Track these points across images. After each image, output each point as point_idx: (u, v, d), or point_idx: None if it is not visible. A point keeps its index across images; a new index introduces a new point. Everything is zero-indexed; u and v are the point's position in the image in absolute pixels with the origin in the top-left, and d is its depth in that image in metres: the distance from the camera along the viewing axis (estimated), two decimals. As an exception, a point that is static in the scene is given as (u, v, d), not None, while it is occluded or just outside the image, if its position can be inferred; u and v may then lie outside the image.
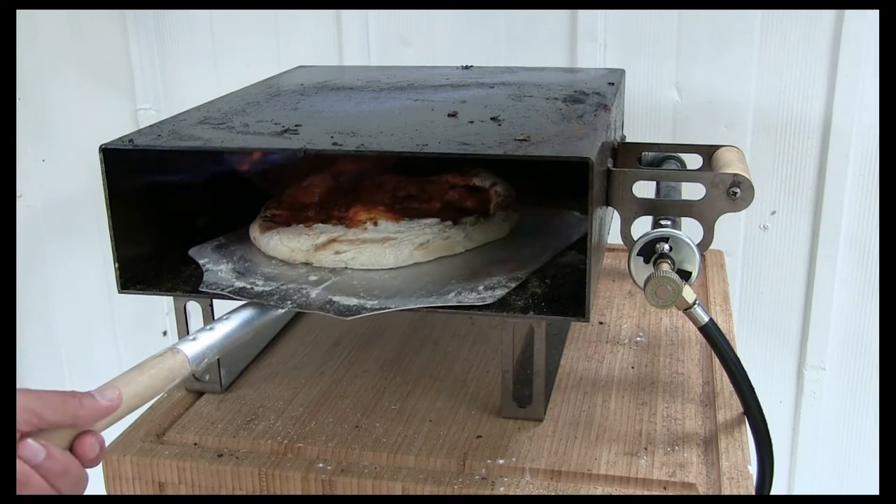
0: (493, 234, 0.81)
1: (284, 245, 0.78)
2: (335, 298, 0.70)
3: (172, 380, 0.58)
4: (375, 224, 0.79)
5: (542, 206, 0.89)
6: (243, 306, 0.68)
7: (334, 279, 0.74)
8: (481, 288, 0.70)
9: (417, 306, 0.68)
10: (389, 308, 0.68)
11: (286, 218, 0.83)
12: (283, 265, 0.77)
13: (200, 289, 0.72)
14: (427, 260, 0.77)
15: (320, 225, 0.80)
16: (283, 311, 0.69)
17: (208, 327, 0.63)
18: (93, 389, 0.52)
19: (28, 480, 0.47)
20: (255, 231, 0.82)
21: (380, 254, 0.75)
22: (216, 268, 0.76)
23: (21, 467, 0.47)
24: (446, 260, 0.77)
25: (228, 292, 0.71)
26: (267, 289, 0.72)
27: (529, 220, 0.85)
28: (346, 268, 0.76)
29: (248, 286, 0.72)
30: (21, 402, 0.48)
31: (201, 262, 0.77)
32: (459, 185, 0.88)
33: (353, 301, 0.69)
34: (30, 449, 0.48)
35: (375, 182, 0.89)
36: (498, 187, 0.87)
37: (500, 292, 0.69)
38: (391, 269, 0.75)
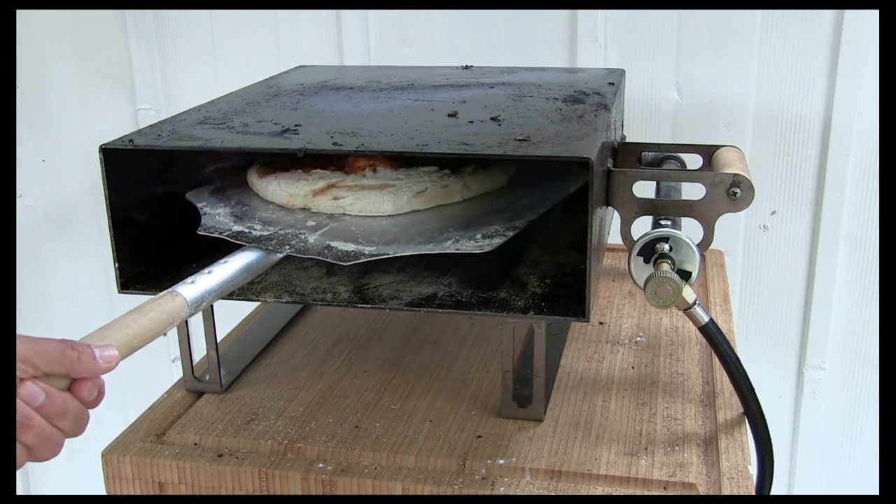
0: (492, 183, 0.81)
1: (283, 190, 0.77)
2: (333, 244, 0.69)
3: (171, 322, 0.57)
4: (374, 171, 0.79)
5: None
6: (241, 250, 0.67)
7: (332, 225, 0.73)
8: (479, 236, 0.69)
9: (415, 252, 0.68)
10: (387, 254, 0.67)
11: (285, 163, 0.82)
12: (281, 210, 0.77)
13: (199, 231, 0.72)
14: (425, 208, 0.76)
15: (318, 171, 0.79)
16: (281, 255, 0.68)
17: (206, 270, 0.62)
18: (93, 342, 0.53)
19: (29, 422, 0.48)
20: (252, 176, 0.81)
21: (378, 200, 0.75)
22: (214, 211, 0.76)
23: (21, 409, 0.48)
24: (444, 208, 0.77)
25: (227, 236, 0.71)
26: (265, 233, 0.71)
27: (528, 172, 0.84)
28: (343, 214, 0.75)
29: (246, 230, 0.72)
30: (19, 349, 0.48)
31: (199, 205, 0.77)
32: None
33: (350, 247, 0.69)
34: (29, 391, 0.48)
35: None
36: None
37: (497, 241, 0.68)
38: (389, 216, 0.75)
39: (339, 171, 0.80)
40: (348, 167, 0.80)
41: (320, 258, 0.68)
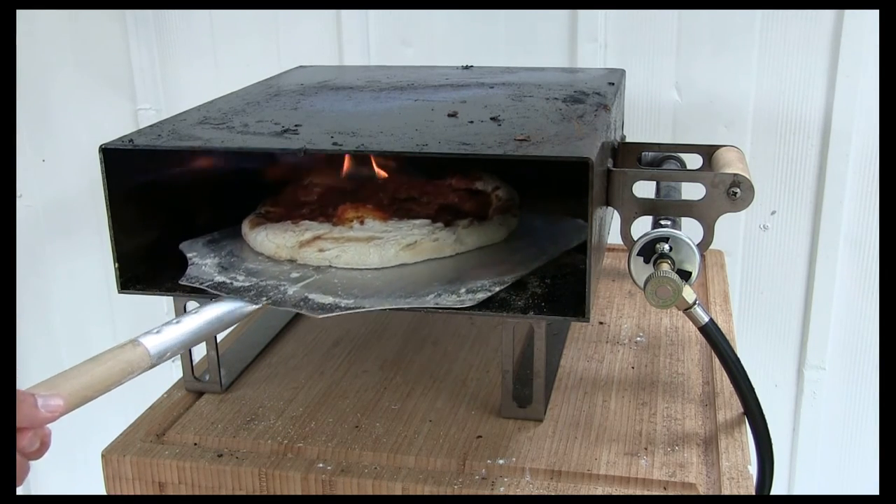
0: (488, 237, 0.80)
1: (270, 241, 0.77)
2: (311, 296, 0.69)
3: (130, 373, 0.56)
4: (362, 223, 0.79)
5: (546, 210, 0.87)
6: (217, 301, 0.67)
7: (316, 277, 0.73)
8: (463, 290, 0.69)
9: (392, 306, 0.67)
10: (363, 307, 0.67)
11: (279, 215, 0.82)
12: (269, 261, 0.77)
13: (181, 281, 0.72)
14: (415, 261, 0.76)
15: (306, 222, 0.79)
16: (257, 306, 0.68)
17: (175, 320, 0.62)
18: (41, 391, 0.51)
19: None
20: (245, 226, 0.81)
21: (364, 253, 0.75)
22: (202, 261, 0.76)
23: None
24: (435, 262, 0.76)
25: (206, 286, 0.71)
26: (246, 284, 0.71)
27: (530, 225, 0.84)
28: (330, 266, 0.75)
29: (228, 281, 0.72)
30: None
31: (189, 255, 0.77)
32: (460, 189, 0.87)
33: (328, 299, 0.69)
34: None
35: (378, 182, 0.88)
36: (500, 191, 0.86)
37: (481, 295, 0.68)
38: (376, 269, 0.75)
39: (327, 221, 0.79)
40: (337, 218, 0.80)
41: (296, 310, 0.68)
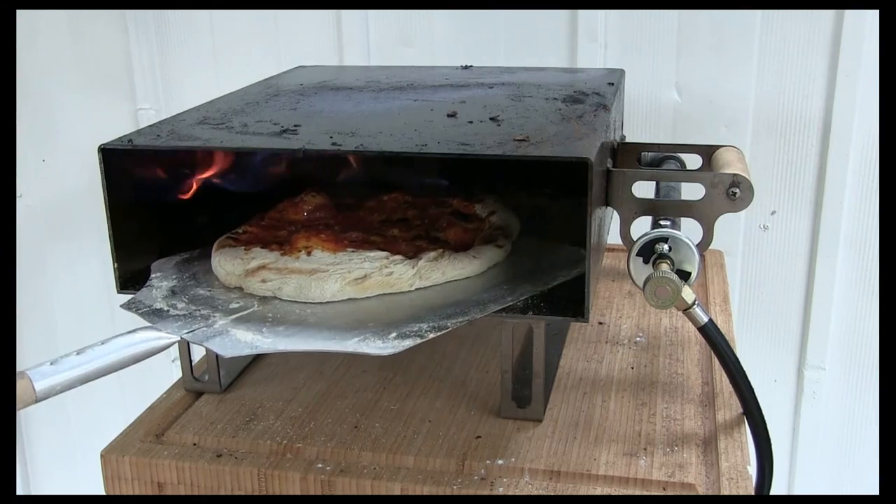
0: (458, 271, 0.74)
1: (221, 267, 0.74)
2: (234, 330, 0.66)
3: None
4: (309, 253, 0.74)
5: (544, 238, 0.81)
6: (133, 331, 0.63)
7: (254, 309, 0.70)
8: (393, 335, 0.64)
9: (307, 348, 0.64)
10: (277, 348, 0.64)
11: (253, 236, 0.79)
12: (220, 288, 0.74)
13: (121, 306, 0.70)
14: (365, 296, 0.71)
15: (256, 249, 0.76)
16: (173, 341, 0.64)
17: (76, 352, 0.58)
18: None
19: None
20: (214, 247, 0.78)
21: (304, 286, 0.70)
22: (160, 283, 0.74)
23: None
24: (391, 298, 0.71)
25: (140, 313, 0.68)
26: (181, 312, 0.69)
27: (519, 254, 0.79)
28: (275, 297, 0.72)
29: (167, 308, 0.69)
30: None
31: (152, 275, 0.75)
32: (456, 212, 0.83)
33: (249, 336, 0.65)
34: None
35: (377, 201, 0.86)
36: (494, 217, 0.82)
37: (408, 342, 0.63)
38: (321, 303, 0.70)
39: (279, 249, 0.76)
40: (289, 247, 0.76)
41: (206, 346, 0.65)
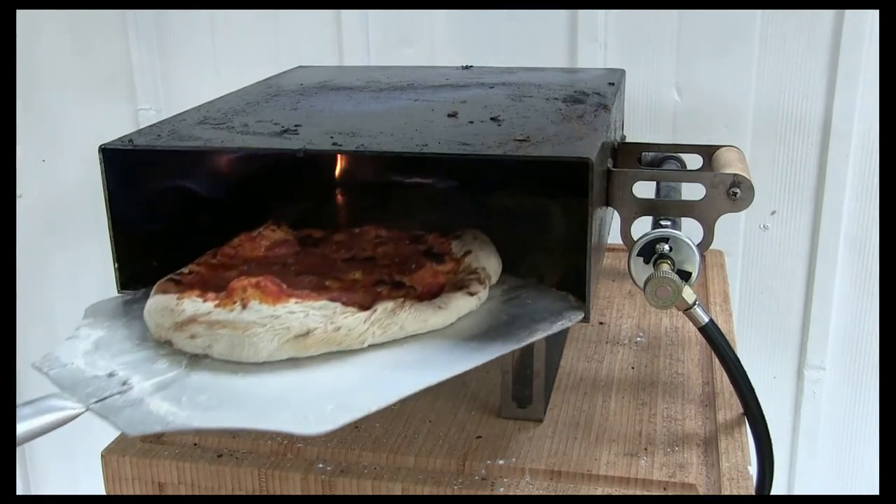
0: (418, 325, 0.64)
1: (151, 318, 0.65)
2: (148, 400, 0.57)
3: None
4: (245, 305, 0.63)
5: (531, 274, 0.74)
6: (37, 400, 0.56)
7: (178, 371, 0.61)
8: (331, 407, 0.54)
9: (225, 426, 0.57)
10: (192, 426, 0.55)
11: (198, 278, 0.70)
12: (153, 341, 0.65)
13: (32, 365, 0.62)
14: (307, 355, 0.61)
15: (189, 298, 0.65)
16: (79, 412, 0.56)
17: None
18: None
19: None
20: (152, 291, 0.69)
21: (237, 345, 0.60)
22: (87, 334, 0.66)
23: None
24: (340, 357, 0.62)
25: (52, 373, 0.61)
26: (99, 373, 0.60)
27: (498, 303, 0.69)
28: (207, 356, 0.62)
29: (85, 367, 0.61)
30: None
31: (83, 322, 0.68)
32: (425, 251, 0.74)
33: (164, 408, 0.56)
34: None
35: (348, 234, 0.78)
36: (469, 258, 0.72)
37: (346, 418, 0.53)
38: (259, 364, 0.61)
39: (217, 298, 0.65)
40: (226, 296, 0.65)
41: (112, 423, 0.55)
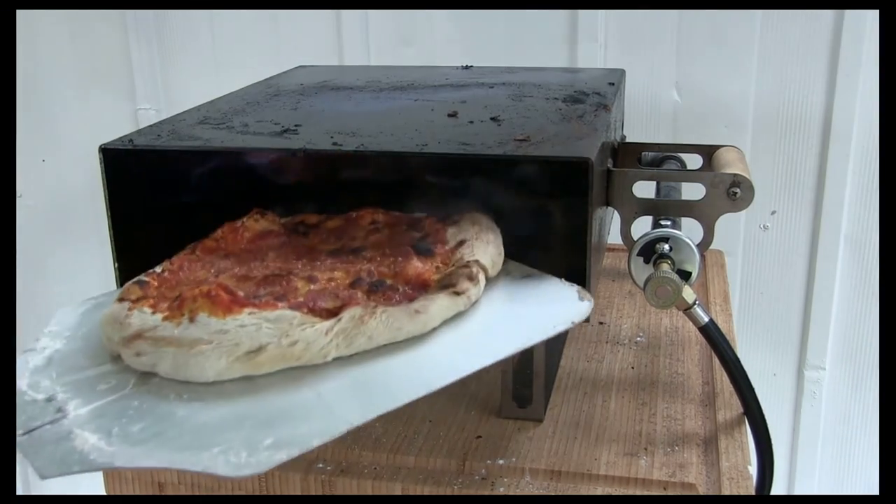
0: (390, 334, 0.56)
1: (102, 329, 0.60)
2: (78, 432, 0.51)
3: None
4: (192, 319, 0.56)
5: (537, 260, 0.66)
6: None
7: (121, 394, 0.55)
8: (269, 441, 0.48)
9: (145, 465, 0.50)
10: (114, 465, 0.49)
11: (166, 282, 0.64)
12: (107, 354, 0.59)
13: None
14: (263, 373, 0.54)
15: (139, 309, 0.59)
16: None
17: None
18: None
19: None
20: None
21: (182, 364, 0.54)
22: (44, 346, 0.61)
23: None
24: (298, 375, 0.54)
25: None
26: (38, 396, 0.55)
27: (489, 303, 0.61)
28: (155, 375, 0.56)
29: (26, 388, 0.56)
30: None
31: (46, 331, 0.63)
32: (420, 239, 0.66)
33: (91, 442, 0.50)
34: None
35: (344, 219, 0.72)
36: (464, 249, 0.64)
37: (280, 457, 0.47)
38: (208, 384, 0.54)
39: (169, 309, 0.59)
40: (175, 308, 0.58)
41: (30, 463, 0.49)
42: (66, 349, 0.61)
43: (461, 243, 0.65)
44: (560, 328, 0.57)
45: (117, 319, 0.59)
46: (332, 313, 0.57)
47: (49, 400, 0.55)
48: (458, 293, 0.59)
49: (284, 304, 0.58)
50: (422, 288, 0.60)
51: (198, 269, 0.67)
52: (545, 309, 0.60)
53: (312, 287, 0.61)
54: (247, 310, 0.57)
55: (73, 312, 0.66)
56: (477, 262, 0.62)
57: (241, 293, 0.59)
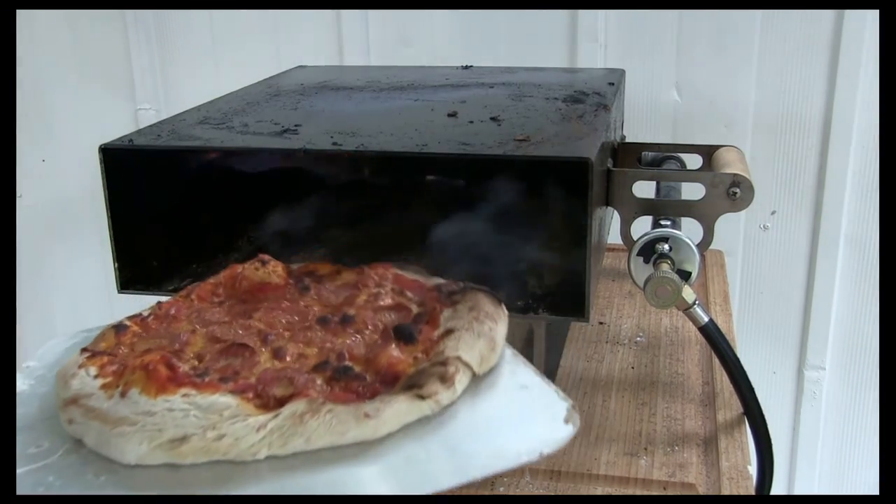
0: (331, 438, 0.49)
1: (55, 388, 0.56)
2: None
3: None
4: (124, 394, 0.52)
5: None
6: None
7: (45, 463, 0.51)
8: None
9: None
10: None
11: (149, 326, 0.62)
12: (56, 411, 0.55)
13: None
14: (187, 462, 0.49)
15: (86, 369, 0.56)
16: None
17: None
18: None
19: None
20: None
21: (103, 442, 0.50)
22: (23, 382, 0.59)
23: None
24: (226, 470, 0.49)
25: None
26: None
27: (456, 405, 0.52)
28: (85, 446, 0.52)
29: None
30: None
31: (22, 368, 0.61)
32: (415, 316, 0.59)
33: None
34: None
35: (357, 272, 0.65)
36: (449, 341, 0.55)
37: None
38: (132, 466, 0.49)
39: (113, 374, 0.55)
40: (117, 374, 0.55)
41: None
42: (29, 392, 0.58)
43: (448, 332, 0.56)
44: (525, 459, 0.48)
45: (65, 377, 0.56)
46: (280, 402, 0.51)
47: None
48: (422, 397, 0.51)
49: (228, 387, 0.53)
50: (392, 381, 0.53)
51: (182, 318, 0.63)
52: (523, 430, 0.51)
53: (276, 363, 0.56)
54: (182, 390, 0.52)
55: (59, 346, 0.63)
56: (458, 359, 0.54)
57: (184, 367, 0.55)
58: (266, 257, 0.68)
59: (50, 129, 1.38)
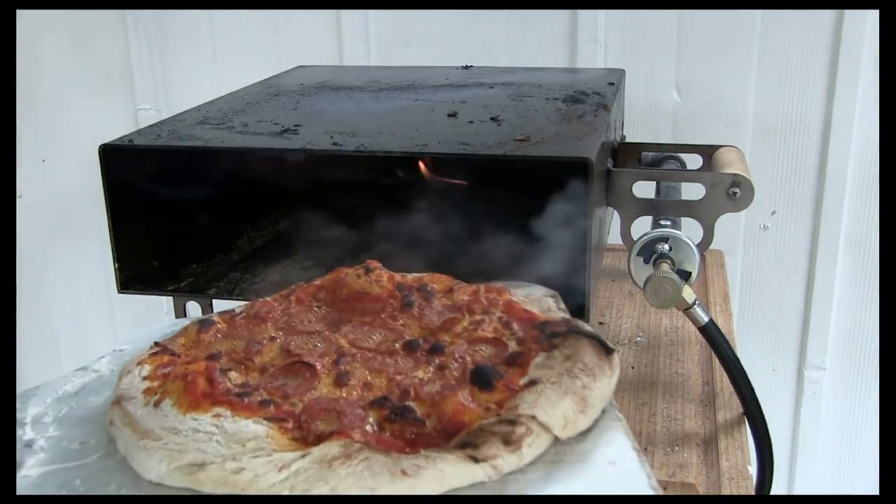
0: (361, 492, 0.42)
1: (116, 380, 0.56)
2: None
3: None
4: (157, 404, 0.50)
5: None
6: None
7: (82, 462, 0.50)
8: None
9: None
10: None
11: (232, 327, 0.59)
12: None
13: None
14: (206, 491, 0.45)
15: (142, 367, 0.55)
16: None
17: None
18: None
19: None
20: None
21: (131, 452, 0.48)
22: (97, 368, 0.59)
23: None
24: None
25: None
26: (25, 437, 0.51)
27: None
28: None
29: (28, 421, 0.53)
30: None
31: (113, 350, 0.59)
32: (507, 358, 0.53)
33: None
34: None
35: (471, 295, 0.60)
36: (529, 395, 0.48)
37: None
38: (155, 482, 0.46)
39: (164, 377, 0.53)
40: (162, 378, 0.53)
41: None
42: (108, 379, 0.56)
43: (532, 384, 0.49)
44: None
45: (122, 372, 0.54)
46: (319, 438, 0.46)
47: (28, 445, 0.50)
48: (476, 459, 0.43)
49: (267, 412, 0.49)
50: (454, 432, 0.46)
51: (270, 321, 0.59)
52: None
53: (334, 391, 0.51)
54: (216, 409, 0.48)
55: (156, 333, 0.61)
56: (533, 418, 0.46)
57: (227, 384, 0.51)
58: (373, 264, 0.63)
59: (50, 129, 1.38)
